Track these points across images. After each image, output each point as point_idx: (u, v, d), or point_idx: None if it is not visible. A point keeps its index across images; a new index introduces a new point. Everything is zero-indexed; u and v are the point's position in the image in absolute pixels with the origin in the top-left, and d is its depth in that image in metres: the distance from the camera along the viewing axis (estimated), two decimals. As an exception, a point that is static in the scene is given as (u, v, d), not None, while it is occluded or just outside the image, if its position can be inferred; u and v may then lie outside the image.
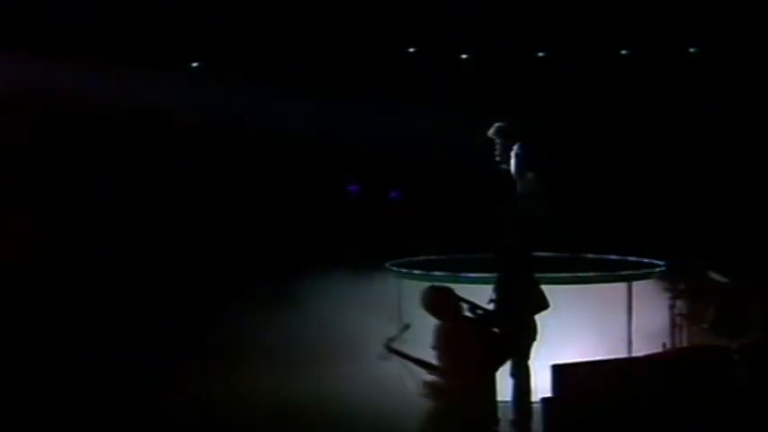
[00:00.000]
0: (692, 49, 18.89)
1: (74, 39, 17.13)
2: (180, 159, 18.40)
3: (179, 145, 18.41)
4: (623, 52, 19.08)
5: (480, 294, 12.78)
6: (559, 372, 11.24)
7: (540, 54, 19.28)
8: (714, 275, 14.06)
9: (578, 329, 13.47)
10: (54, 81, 17.14)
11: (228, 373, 14.58)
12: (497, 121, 15.01)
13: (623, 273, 14.48)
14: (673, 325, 14.06)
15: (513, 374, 12.66)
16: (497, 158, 14.89)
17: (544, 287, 12.85)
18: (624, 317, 14.23)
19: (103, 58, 17.32)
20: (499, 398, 12.66)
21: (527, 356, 12.65)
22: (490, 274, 13.18)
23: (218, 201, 18.36)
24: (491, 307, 12.65)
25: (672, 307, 14.11)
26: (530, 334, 12.70)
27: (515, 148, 14.70)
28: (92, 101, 17.39)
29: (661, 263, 14.84)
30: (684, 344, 13.92)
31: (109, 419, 13.20)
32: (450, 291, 11.53)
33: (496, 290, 12.76)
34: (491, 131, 14.92)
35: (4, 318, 15.63)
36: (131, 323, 16.09)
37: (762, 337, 12.88)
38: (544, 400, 11.43)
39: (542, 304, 12.73)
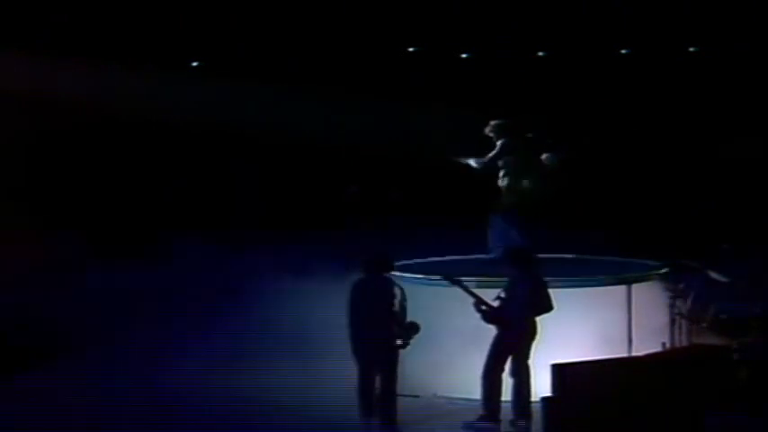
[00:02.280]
0: (691, 49, 18.89)
1: (73, 39, 17.14)
2: (180, 159, 18.39)
3: (179, 145, 18.41)
4: (623, 52, 19.09)
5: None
6: (559, 372, 11.24)
7: (540, 54, 19.28)
8: (714, 275, 14.05)
9: (578, 329, 13.44)
10: (53, 81, 17.15)
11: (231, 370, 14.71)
12: (494, 120, 14.97)
13: (623, 276, 14.47)
14: (672, 325, 14.06)
15: (514, 374, 12.68)
16: (493, 156, 14.86)
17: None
18: (624, 316, 14.22)
19: (103, 58, 17.33)
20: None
21: (527, 356, 12.66)
22: (485, 279, 13.22)
23: (217, 200, 18.37)
24: (496, 304, 12.69)
25: (672, 307, 14.11)
26: (531, 334, 12.72)
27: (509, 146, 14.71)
28: (91, 101, 17.40)
29: (661, 265, 14.84)
30: (684, 344, 13.92)
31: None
32: None
33: (506, 289, 12.77)
34: (488, 129, 14.86)
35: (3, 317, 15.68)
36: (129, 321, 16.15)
37: (761, 336, 12.88)
38: (544, 399, 11.44)
39: (546, 306, 12.74)
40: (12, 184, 17.19)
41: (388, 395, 12.72)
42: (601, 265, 15.04)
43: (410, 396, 13.64)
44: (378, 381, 12.74)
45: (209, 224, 18.22)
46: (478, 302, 12.65)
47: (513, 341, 12.67)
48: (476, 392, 13.02)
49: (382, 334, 12.59)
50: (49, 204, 17.49)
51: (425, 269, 14.64)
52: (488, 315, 12.67)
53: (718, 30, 17.99)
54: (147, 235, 17.99)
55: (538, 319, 12.72)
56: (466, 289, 12.74)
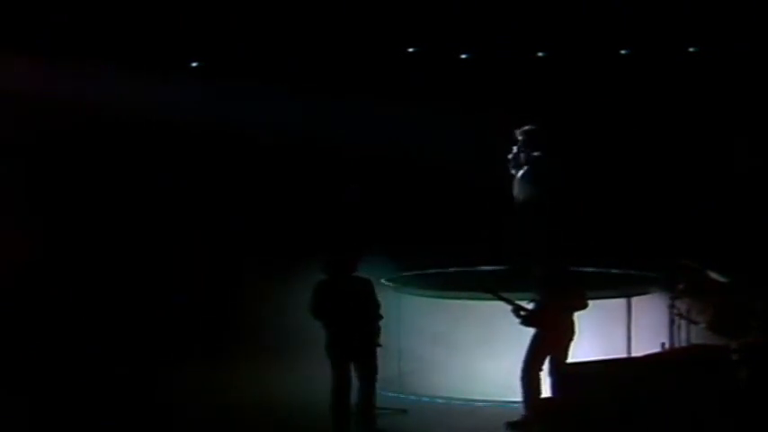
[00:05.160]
0: (691, 49, 18.87)
1: (73, 39, 17.13)
2: (179, 160, 18.38)
3: (179, 145, 18.40)
4: (623, 52, 19.07)
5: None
6: (559, 371, 11.25)
7: (540, 54, 19.25)
8: (714, 275, 14.06)
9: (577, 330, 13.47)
10: (53, 81, 17.15)
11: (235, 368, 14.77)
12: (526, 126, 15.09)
13: (624, 289, 14.51)
14: (672, 325, 14.06)
15: (552, 374, 12.65)
16: (509, 159, 14.99)
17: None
18: (624, 317, 14.24)
19: (103, 58, 17.32)
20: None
21: (566, 356, 12.66)
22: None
23: (216, 202, 18.37)
24: (532, 306, 12.73)
25: (671, 307, 14.11)
26: (569, 333, 12.72)
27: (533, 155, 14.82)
28: (91, 101, 17.39)
29: (659, 276, 14.87)
30: (684, 344, 13.92)
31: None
32: None
33: (541, 293, 12.81)
34: (519, 132, 15.01)
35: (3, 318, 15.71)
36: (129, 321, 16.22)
37: (761, 336, 12.88)
38: (544, 399, 11.44)
39: (578, 305, 12.77)
40: (11, 184, 17.21)
41: (370, 398, 12.56)
42: (600, 278, 15.09)
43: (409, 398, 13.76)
44: (358, 385, 12.57)
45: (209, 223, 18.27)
46: (517, 308, 12.72)
47: (554, 341, 12.67)
48: (473, 394, 13.14)
49: (367, 335, 12.48)
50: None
51: (441, 281, 14.76)
52: (528, 319, 12.71)
53: (718, 30, 17.98)
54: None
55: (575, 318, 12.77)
56: (502, 298, 12.81)
